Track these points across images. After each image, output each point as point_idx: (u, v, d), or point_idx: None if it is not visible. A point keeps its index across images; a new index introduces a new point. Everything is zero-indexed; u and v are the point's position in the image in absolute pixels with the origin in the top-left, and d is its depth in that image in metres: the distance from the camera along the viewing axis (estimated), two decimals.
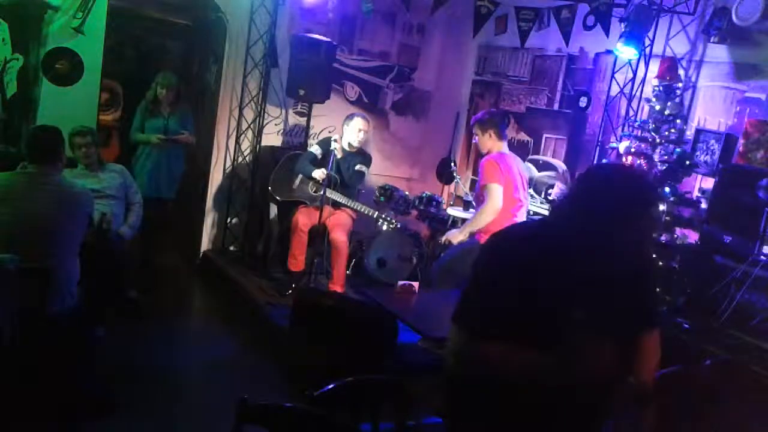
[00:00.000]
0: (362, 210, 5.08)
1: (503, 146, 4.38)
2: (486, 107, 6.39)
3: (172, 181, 5.44)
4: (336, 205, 5.12)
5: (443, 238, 4.39)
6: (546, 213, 5.17)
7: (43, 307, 3.10)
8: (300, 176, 5.27)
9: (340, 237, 5.02)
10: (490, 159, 4.29)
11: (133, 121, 5.38)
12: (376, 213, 5.03)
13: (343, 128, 5.25)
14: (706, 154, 4.31)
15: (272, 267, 5.59)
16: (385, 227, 5.01)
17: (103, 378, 3.52)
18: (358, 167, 5.17)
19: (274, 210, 5.88)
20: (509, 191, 4.25)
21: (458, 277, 4.54)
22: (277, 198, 5.48)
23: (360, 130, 5.14)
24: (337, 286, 5.07)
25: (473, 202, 5.71)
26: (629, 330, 1.87)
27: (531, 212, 4.82)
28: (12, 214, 3.18)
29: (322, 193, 4.94)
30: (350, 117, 5.25)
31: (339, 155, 5.09)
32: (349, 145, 5.18)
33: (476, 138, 4.43)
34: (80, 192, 3.48)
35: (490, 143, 4.35)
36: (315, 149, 5.33)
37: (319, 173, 5.03)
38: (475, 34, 5.03)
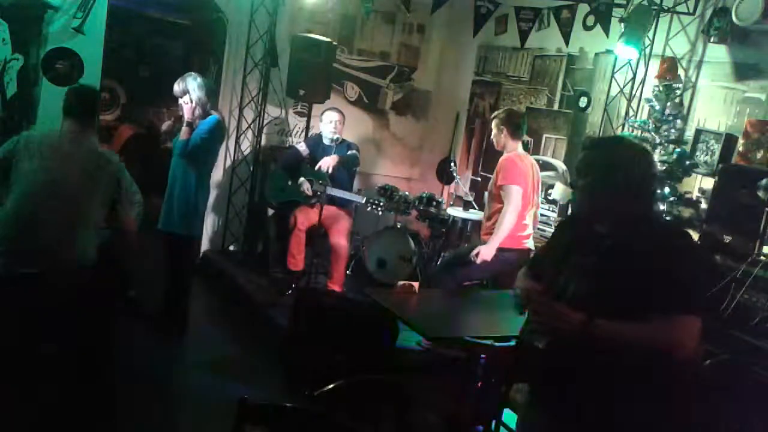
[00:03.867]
0: (355, 198, 5.22)
1: (518, 146, 4.38)
2: (486, 107, 6.40)
3: (186, 213, 4.33)
4: (332, 201, 5.17)
5: (478, 260, 4.21)
6: (547, 214, 5.18)
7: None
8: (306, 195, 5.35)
9: (341, 242, 5.08)
10: (510, 158, 4.29)
11: None
12: (364, 198, 5.14)
13: (320, 125, 5.40)
14: (706, 154, 4.30)
15: (272, 267, 5.59)
16: (371, 210, 5.18)
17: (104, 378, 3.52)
18: (349, 153, 5.27)
19: (272, 210, 5.89)
20: (524, 193, 4.24)
21: (458, 278, 4.55)
22: (274, 204, 5.60)
23: (331, 121, 5.27)
24: (336, 285, 5.10)
25: (474, 202, 5.74)
26: (642, 307, 1.85)
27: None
28: (36, 172, 3.18)
29: (319, 192, 5.00)
30: (322, 113, 5.41)
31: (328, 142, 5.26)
32: (330, 139, 5.27)
33: (492, 133, 4.43)
34: (105, 156, 3.40)
35: (504, 140, 4.35)
36: (301, 147, 5.45)
37: (305, 187, 5.18)
38: (475, 34, 5.02)
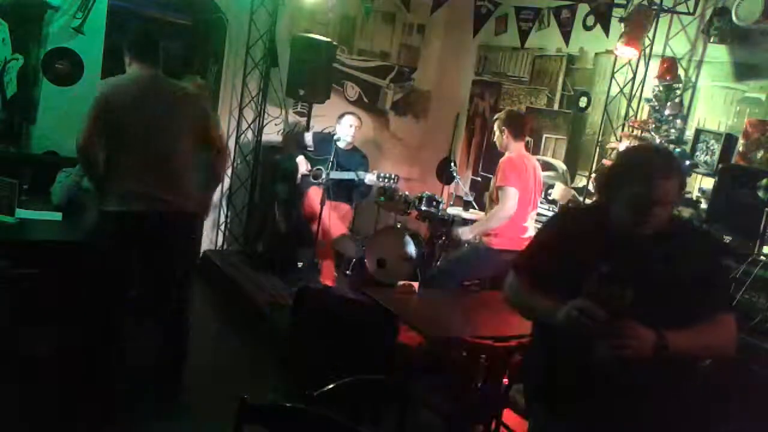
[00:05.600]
0: (364, 178, 5.33)
1: (519, 147, 4.37)
2: (486, 107, 6.40)
3: None
4: (335, 196, 5.23)
5: (453, 233, 4.44)
6: (546, 213, 5.18)
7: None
8: (300, 174, 5.41)
9: (338, 225, 5.18)
10: (509, 159, 4.29)
11: None
12: (375, 174, 5.30)
13: (337, 128, 5.50)
14: (706, 154, 4.30)
15: (274, 266, 5.60)
16: (385, 184, 5.34)
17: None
18: (363, 177, 5.34)
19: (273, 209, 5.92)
20: (523, 195, 4.24)
21: (457, 279, 4.55)
22: (280, 193, 5.68)
23: (351, 125, 5.40)
24: (328, 280, 5.14)
25: (474, 202, 5.74)
26: (679, 310, 1.85)
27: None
28: (120, 122, 3.22)
29: (315, 177, 5.22)
30: (341, 115, 5.53)
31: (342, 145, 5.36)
32: (345, 142, 5.35)
33: (495, 135, 4.46)
34: (187, 94, 3.41)
35: (506, 141, 4.36)
36: (307, 137, 5.56)
37: (302, 164, 5.33)
38: (475, 34, 5.03)
